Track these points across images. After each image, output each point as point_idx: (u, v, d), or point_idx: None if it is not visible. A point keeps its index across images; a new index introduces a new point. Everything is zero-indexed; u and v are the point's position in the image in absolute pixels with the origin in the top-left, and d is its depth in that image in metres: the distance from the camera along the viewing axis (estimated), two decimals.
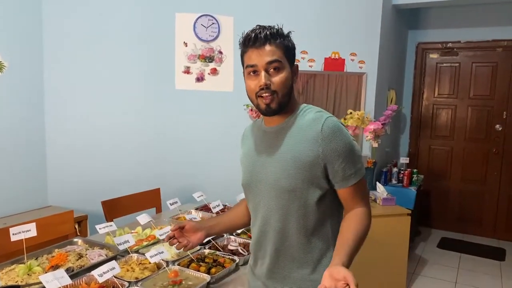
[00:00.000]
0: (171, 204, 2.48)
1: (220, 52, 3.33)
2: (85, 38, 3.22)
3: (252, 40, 1.20)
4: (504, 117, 4.63)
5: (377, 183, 3.52)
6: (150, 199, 2.90)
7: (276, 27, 1.23)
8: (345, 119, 3.49)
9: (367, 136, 3.46)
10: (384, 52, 3.81)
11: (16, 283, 1.55)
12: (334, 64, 3.57)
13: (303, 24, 3.40)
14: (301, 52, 3.45)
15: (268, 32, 1.19)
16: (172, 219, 2.43)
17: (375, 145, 3.50)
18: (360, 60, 3.60)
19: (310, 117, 1.23)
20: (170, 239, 1.47)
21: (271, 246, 1.29)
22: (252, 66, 1.20)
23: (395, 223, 3.18)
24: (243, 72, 1.26)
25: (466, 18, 4.59)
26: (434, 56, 4.93)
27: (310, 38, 3.45)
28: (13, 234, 1.76)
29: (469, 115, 4.81)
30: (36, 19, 3.10)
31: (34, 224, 1.82)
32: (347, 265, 1.06)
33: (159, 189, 2.99)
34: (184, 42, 3.30)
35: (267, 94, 1.20)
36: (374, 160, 3.55)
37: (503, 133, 4.65)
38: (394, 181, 3.95)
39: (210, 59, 3.33)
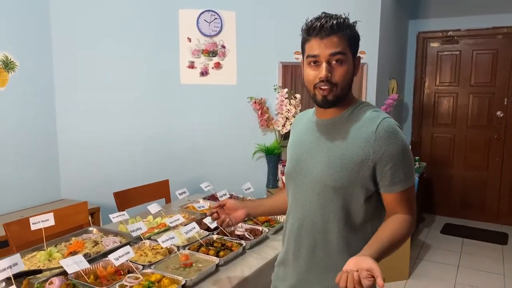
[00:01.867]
0: (179, 194, 2.59)
1: (223, 47, 3.41)
2: (92, 36, 3.31)
3: (317, 30, 1.14)
4: (505, 103, 4.68)
5: None
6: (159, 190, 3.00)
7: (343, 16, 1.17)
8: None
9: None
10: (385, 42, 3.87)
11: (38, 268, 1.66)
12: None
13: (303, 15, 3.45)
14: None
15: (334, 22, 1.13)
16: (181, 208, 2.54)
17: None
18: (361, 51, 3.64)
19: (366, 116, 1.18)
20: (212, 215, 1.46)
21: (309, 239, 1.25)
22: (314, 56, 1.15)
23: None
24: (302, 60, 1.22)
25: (466, 6, 4.62)
26: (435, 44, 4.98)
27: None
28: (33, 223, 1.87)
29: (471, 102, 4.86)
30: (44, 18, 3.19)
31: (52, 214, 1.93)
32: (376, 260, 1.00)
33: (167, 180, 3.09)
34: (188, 37, 3.38)
35: (326, 87, 1.15)
36: None
37: (505, 119, 4.70)
38: None
39: (213, 53, 3.41)
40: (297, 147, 1.32)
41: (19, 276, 1.49)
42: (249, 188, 2.60)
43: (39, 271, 1.60)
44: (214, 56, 3.41)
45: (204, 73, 3.44)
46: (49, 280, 1.48)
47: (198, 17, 3.36)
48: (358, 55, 1.22)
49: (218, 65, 3.43)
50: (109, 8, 3.31)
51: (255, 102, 3.43)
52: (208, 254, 1.82)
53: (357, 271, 0.95)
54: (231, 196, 2.72)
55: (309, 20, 1.18)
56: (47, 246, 1.87)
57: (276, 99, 3.47)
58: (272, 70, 3.51)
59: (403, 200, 1.17)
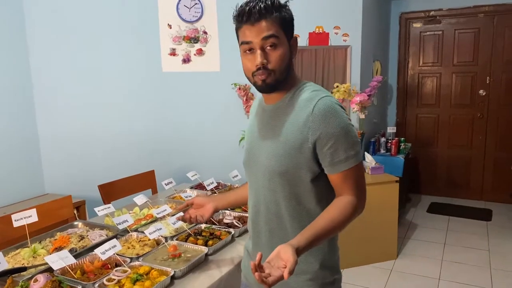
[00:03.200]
0: (166, 185, 2.56)
1: (205, 33, 3.34)
2: (67, 27, 3.21)
3: (246, 15, 1.11)
4: (487, 82, 4.73)
5: (365, 153, 3.62)
6: (145, 181, 2.96)
7: None
8: (332, 92, 3.56)
9: (353, 108, 3.53)
10: (368, 24, 3.85)
11: (23, 265, 1.62)
12: (319, 38, 3.60)
13: None
14: None
15: (262, 5, 1.09)
16: (168, 198, 2.51)
17: (362, 116, 3.58)
18: (344, 33, 3.64)
19: (305, 97, 1.16)
20: (183, 217, 1.49)
21: (265, 227, 1.27)
22: (247, 43, 1.13)
23: (384, 190, 3.30)
24: (239, 47, 1.19)
25: None
26: (417, 25, 4.98)
27: (294, 13, 3.46)
28: (15, 220, 1.82)
29: (454, 82, 4.90)
30: (17, 12, 3.08)
31: (34, 210, 1.88)
32: (303, 248, 1.02)
33: (153, 171, 3.05)
34: (168, 24, 3.31)
35: (260, 73, 1.13)
36: (362, 131, 3.64)
37: (487, 98, 4.75)
38: (382, 151, 4.05)
39: (195, 40, 3.35)
40: (249, 135, 1.33)
41: (3, 275, 1.45)
42: (237, 175, 2.58)
43: (24, 269, 1.56)
44: (196, 43, 3.35)
45: (186, 60, 3.38)
46: (34, 278, 1.44)
47: (178, 3, 3.28)
48: (294, 36, 1.18)
49: (200, 52, 3.36)
50: None
51: (239, 89, 3.39)
52: (196, 244, 1.80)
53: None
54: (218, 185, 2.70)
55: (239, 6, 1.14)
56: (31, 243, 1.83)
57: None
58: None
59: (347, 181, 1.15)
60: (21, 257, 1.72)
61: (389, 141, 4.04)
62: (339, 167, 1.13)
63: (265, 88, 1.17)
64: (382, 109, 4.93)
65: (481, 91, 4.77)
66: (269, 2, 1.11)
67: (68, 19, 3.21)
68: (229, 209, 2.21)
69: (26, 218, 1.84)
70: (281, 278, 0.94)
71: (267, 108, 1.25)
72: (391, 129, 4.18)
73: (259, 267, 0.95)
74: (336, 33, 3.62)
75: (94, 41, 3.27)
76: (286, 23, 1.15)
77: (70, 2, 3.19)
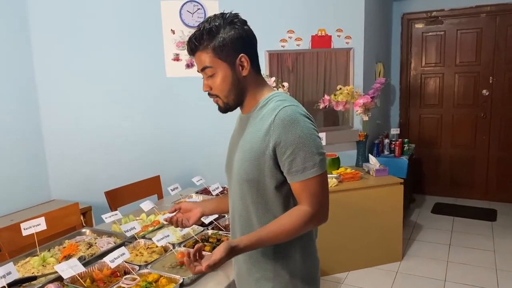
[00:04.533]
0: (172, 190, 2.57)
1: None
2: (72, 30, 3.23)
3: (187, 50, 1.23)
4: (490, 82, 4.72)
5: (370, 155, 3.63)
6: (151, 187, 2.98)
7: (207, 26, 1.16)
8: (335, 95, 3.56)
9: (357, 110, 3.54)
10: (370, 26, 3.86)
11: (33, 274, 1.64)
12: (321, 41, 3.61)
13: (288, 3, 3.42)
14: (288, 31, 3.48)
15: (194, 39, 1.18)
16: (174, 204, 2.52)
17: (366, 118, 3.59)
18: (347, 36, 3.65)
19: (271, 106, 1.19)
20: (171, 221, 1.52)
21: (239, 233, 1.30)
22: (198, 72, 1.24)
23: (389, 192, 3.31)
24: None
25: None
26: (419, 26, 4.98)
27: (296, 17, 3.48)
28: (24, 229, 1.84)
29: (457, 82, 4.90)
30: (22, 12, 3.09)
31: (43, 218, 1.90)
32: (243, 247, 1.10)
33: (159, 176, 3.07)
34: (171, 29, 3.32)
35: (212, 98, 1.25)
36: (365, 133, 3.65)
37: (490, 98, 4.75)
38: (386, 152, 4.05)
39: None
40: (230, 142, 1.39)
41: (14, 285, 1.47)
42: None
43: (34, 278, 1.58)
44: None
45: (189, 65, 3.39)
46: (45, 287, 1.46)
47: (181, 8, 3.30)
48: (240, 54, 1.18)
49: None
50: (88, 1, 3.23)
51: None
52: (204, 250, 1.81)
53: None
54: (224, 189, 2.71)
55: None
56: (40, 251, 1.85)
57: None
58: None
59: (304, 191, 1.15)
60: (30, 265, 1.73)
61: (393, 143, 4.05)
62: (297, 177, 1.14)
63: (220, 111, 1.27)
64: (385, 110, 4.93)
65: (484, 91, 4.76)
66: (200, 34, 1.17)
67: (73, 23, 3.22)
68: None
69: (35, 226, 1.86)
70: (201, 269, 1.07)
71: (241, 118, 1.33)
72: (394, 131, 4.18)
73: (198, 257, 1.11)
74: (339, 36, 3.63)
75: (98, 45, 3.28)
76: (220, 49, 1.17)
77: (75, 6, 3.21)
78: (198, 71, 1.24)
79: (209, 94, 1.24)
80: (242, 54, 1.19)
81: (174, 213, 1.53)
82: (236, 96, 1.24)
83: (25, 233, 1.84)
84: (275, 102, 1.20)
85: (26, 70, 3.16)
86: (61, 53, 3.24)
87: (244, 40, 1.19)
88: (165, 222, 1.99)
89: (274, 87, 3.35)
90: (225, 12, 1.20)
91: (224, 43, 1.16)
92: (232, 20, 1.18)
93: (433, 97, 5.04)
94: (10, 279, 1.41)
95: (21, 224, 1.85)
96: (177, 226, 1.52)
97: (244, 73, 1.21)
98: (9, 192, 3.04)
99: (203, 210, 1.54)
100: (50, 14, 3.19)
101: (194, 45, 1.18)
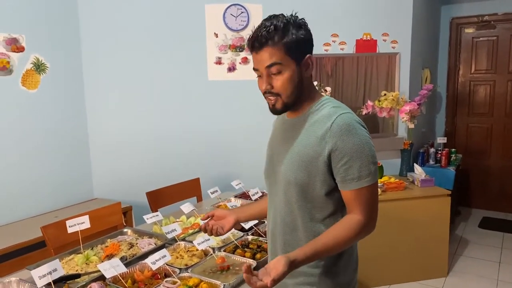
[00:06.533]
0: (211, 193, 2.56)
1: None
2: (119, 35, 3.30)
3: (250, 45, 1.17)
4: None
5: (415, 164, 3.48)
6: (190, 189, 2.98)
7: (276, 22, 1.13)
8: (379, 100, 3.45)
9: (403, 118, 3.41)
10: (417, 30, 3.72)
11: (77, 272, 1.66)
12: (366, 45, 3.51)
13: (333, 7, 3.35)
14: (332, 35, 3.40)
15: (264, 33, 1.12)
16: (213, 207, 2.51)
17: (411, 126, 3.45)
18: (393, 40, 3.53)
19: (324, 113, 1.18)
20: (204, 228, 1.48)
21: (281, 238, 1.28)
22: (256, 70, 1.19)
23: (435, 204, 3.15)
24: None
25: None
26: (469, 30, 4.75)
27: (341, 21, 3.40)
28: (69, 226, 1.88)
29: (509, 90, 4.63)
30: (73, 19, 3.20)
31: (87, 216, 1.94)
32: (300, 261, 1.06)
33: (198, 178, 3.07)
34: (214, 33, 3.33)
35: (271, 98, 1.19)
36: (410, 142, 3.50)
37: None
38: (431, 162, 3.88)
39: (240, 48, 3.35)
40: (270, 146, 1.36)
41: (59, 281, 1.48)
42: None
43: (78, 276, 1.60)
44: (241, 51, 3.36)
45: (231, 68, 3.39)
46: (89, 286, 1.47)
47: (225, 12, 3.30)
48: (308, 55, 1.18)
49: (245, 60, 3.37)
50: (136, 6, 3.30)
51: None
52: (244, 256, 1.78)
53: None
54: (263, 194, 2.67)
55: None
56: (83, 249, 1.87)
57: None
58: None
59: (357, 199, 1.14)
60: (75, 263, 1.76)
61: (439, 152, 3.87)
62: (351, 185, 1.14)
63: (274, 112, 1.23)
64: (430, 118, 4.73)
65: None
66: (271, 29, 1.13)
67: (120, 27, 3.30)
68: None
69: (79, 224, 1.90)
70: (266, 285, 1.00)
71: (288, 122, 1.29)
72: (441, 140, 4.00)
73: (253, 272, 1.02)
74: (385, 40, 3.52)
75: (143, 49, 3.33)
76: (291, 46, 1.14)
77: (122, 12, 3.29)
78: (254, 68, 1.20)
79: (267, 93, 1.19)
80: (309, 55, 1.19)
81: (207, 220, 1.50)
82: (296, 96, 1.20)
83: (70, 230, 1.88)
84: (329, 108, 1.19)
85: (76, 74, 3.26)
86: (108, 59, 3.32)
87: (310, 42, 1.20)
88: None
89: None
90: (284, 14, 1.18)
91: (296, 40, 1.15)
92: (300, 21, 1.18)
93: (482, 105, 4.79)
94: (56, 275, 1.43)
95: (67, 222, 1.89)
96: (211, 234, 1.48)
97: (309, 73, 1.21)
98: (55, 190, 3.14)
99: (238, 217, 1.50)
100: (100, 21, 3.28)
101: (264, 38, 1.13)
